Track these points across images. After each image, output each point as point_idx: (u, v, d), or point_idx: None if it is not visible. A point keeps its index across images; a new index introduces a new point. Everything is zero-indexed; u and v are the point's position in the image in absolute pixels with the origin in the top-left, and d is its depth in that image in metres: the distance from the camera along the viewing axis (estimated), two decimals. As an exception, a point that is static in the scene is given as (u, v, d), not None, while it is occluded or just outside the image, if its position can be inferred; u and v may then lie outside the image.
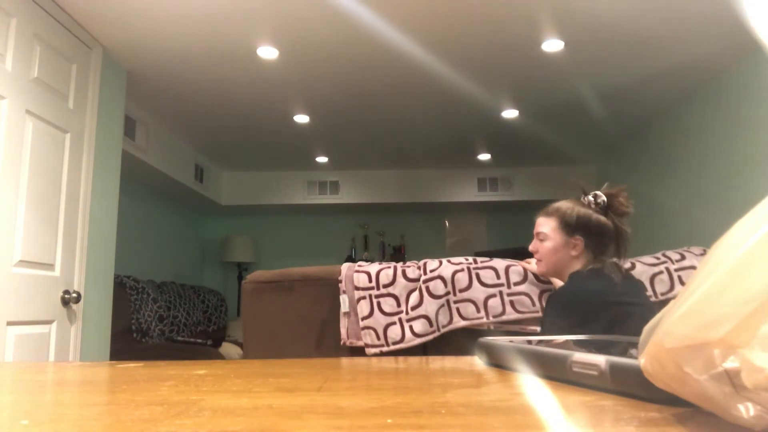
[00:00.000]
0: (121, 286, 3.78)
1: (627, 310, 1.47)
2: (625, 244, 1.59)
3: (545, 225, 1.66)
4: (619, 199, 1.58)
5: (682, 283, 1.87)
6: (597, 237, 1.59)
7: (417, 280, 1.92)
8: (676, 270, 1.90)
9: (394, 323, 1.87)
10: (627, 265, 1.94)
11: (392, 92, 3.62)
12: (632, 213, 1.58)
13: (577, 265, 1.62)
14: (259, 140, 4.65)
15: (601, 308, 1.47)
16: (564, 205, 1.65)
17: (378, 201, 5.68)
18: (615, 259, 1.61)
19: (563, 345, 0.43)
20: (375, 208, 5.95)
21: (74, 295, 2.53)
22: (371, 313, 1.88)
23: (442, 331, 1.87)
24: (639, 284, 1.66)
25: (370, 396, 0.33)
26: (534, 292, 1.87)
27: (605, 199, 1.58)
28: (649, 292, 1.87)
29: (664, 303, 1.83)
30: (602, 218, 1.58)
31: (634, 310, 1.48)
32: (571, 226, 1.61)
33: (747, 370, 0.20)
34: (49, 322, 2.42)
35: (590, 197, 1.60)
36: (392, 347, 1.85)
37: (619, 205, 1.57)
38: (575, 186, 1.65)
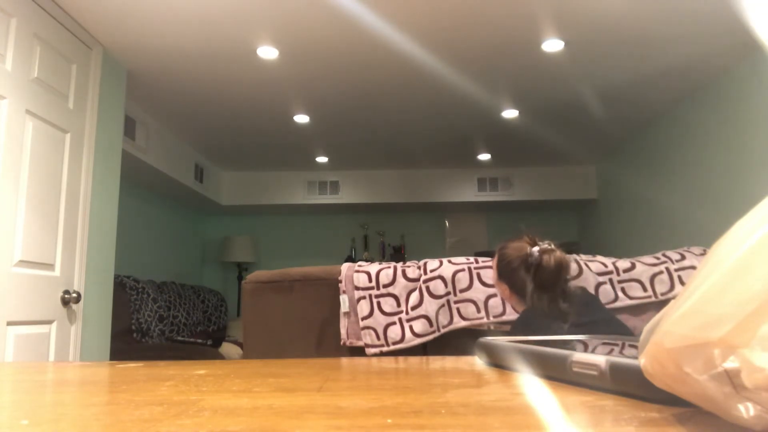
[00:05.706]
0: (121, 286, 3.78)
1: (588, 330, 1.44)
2: (553, 294, 1.49)
3: (494, 257, 1.66)
4: (545, 257, 1.49)
5: (682, 283, 1.87)
6: (520, 290, 1.54)
7: (417, 280, 1.92)
8: (676, 270, 1.90)
9: (394, 323, 1.87)
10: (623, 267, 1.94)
11: (392, 92, 3.62)
12: (550, 268, 1.48)
13: (514, 300, 1.60)
14: (259, 140, 4.65)
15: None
16: (507, 248, 1.59)
17: (378, 201, 5.68)
18: (571, 281, 1.55)
19: (563, 345, 0.43)
20: (375, 208, 5.95)
21: (74, 295, 2.53)
22: (371, 313, 1.88)
23: (443, 331, 1.87)
24: (590, 302, 1.58)
25: (370, 396, 0.33)
26: (534, 292, 1.87)
27: (536, 258, 1.49)
28: (649, 292, 1.87)
29: (664, 303, 1.83)
30: (523, 277, 1.51)
31: (592, 328, 1.45)
32: (498, 271, 1.62)
33: (747, 370, 0.20)
34: (49, 322, 2.42)
35: (531, 251, 1.51)
36: (392, 347, 1.85)
37: (546, 263, 1.48)
38: (529, 232, 1.57)
